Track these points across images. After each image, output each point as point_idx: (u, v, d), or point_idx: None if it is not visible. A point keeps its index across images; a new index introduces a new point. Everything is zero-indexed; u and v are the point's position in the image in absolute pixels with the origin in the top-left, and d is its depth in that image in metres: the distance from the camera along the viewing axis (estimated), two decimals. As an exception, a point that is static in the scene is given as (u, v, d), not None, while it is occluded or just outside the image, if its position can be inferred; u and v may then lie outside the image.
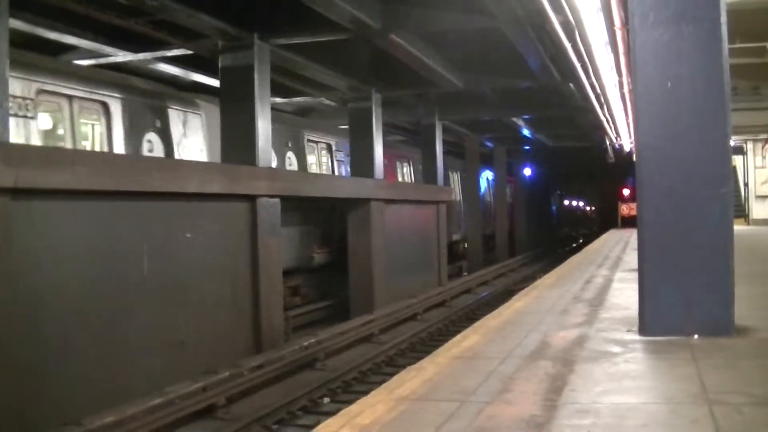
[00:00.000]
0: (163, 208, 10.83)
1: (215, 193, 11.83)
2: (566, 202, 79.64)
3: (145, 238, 10.44)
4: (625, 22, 10.74)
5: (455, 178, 32.82)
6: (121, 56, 14.93)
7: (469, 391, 4.96)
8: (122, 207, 10.03)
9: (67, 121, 11.76)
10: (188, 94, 15.30)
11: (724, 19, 6.18)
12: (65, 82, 11.72)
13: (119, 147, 12.50)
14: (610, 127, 25.56)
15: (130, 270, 10.17)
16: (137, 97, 13.17)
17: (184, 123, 14.28)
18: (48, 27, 13.07)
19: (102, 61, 14.91)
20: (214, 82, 15.93)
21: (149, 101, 13.52)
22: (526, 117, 28.97)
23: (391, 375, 6.65)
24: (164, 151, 13.50)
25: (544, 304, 9.42)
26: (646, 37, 6.32)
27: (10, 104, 9.65)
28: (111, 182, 9.56)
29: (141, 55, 15.05)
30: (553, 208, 68.07)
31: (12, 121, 9.71)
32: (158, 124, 13.58)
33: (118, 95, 12.66)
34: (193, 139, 14.43)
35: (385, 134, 21.22)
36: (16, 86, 10.47)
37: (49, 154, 9.24)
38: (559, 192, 71.73)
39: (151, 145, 13.33)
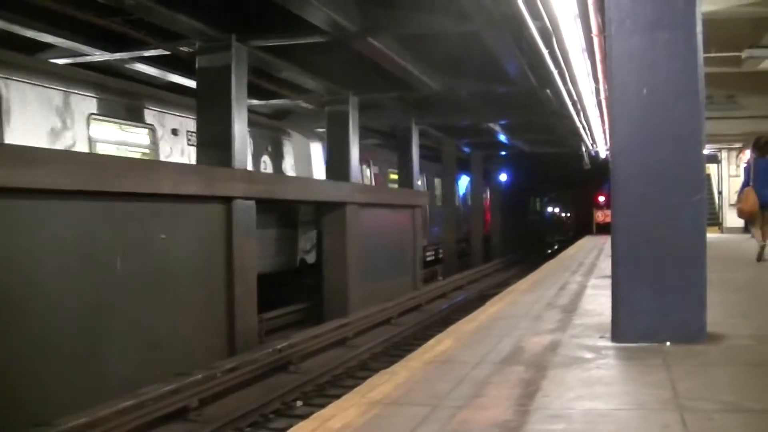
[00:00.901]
0: (138, 209, 10.77)
1: (191, 194, 11.78)
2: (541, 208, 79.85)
3: (119, 239, 10.38)
4: (602, 29, 10.80)
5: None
6: (98, 55, 14.86)
7: (442, 396, 4.95)
8: (97, 207, 9.96)
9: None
10: (280, 123, 21.07)
11: (699, 27, 6.20)
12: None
13: (250, 165, 16.77)
14: (587, 134, 25.73)
15: (104, 271, 10.10)
16: (261, 129, 18.73)
17: (281, 146, 19.76)
18: (24, 25, 12.99)
19: (79, 60, 14.83)
20: (191, 83, 15.90)
21: (265, 131, 19.09)
22: (502, 122, 29.02)
23: (365, 379, 6.62)
24: (273, 167, 19.05)
25: (518, 309, 9.42)
26: (622, 44, 6.34)
27: (190, 137, 15.18)
28: (86, 182, 9.49)
29: (118, 55, 14.99)
30: (546, 214, 68.33)
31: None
32: (269, 148, 19.09)
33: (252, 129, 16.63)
34: (288, 156, 20.02)
35: (361, 137, 21.28)
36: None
37: (22, 153, 9.15)
38: (541, 199, 72.04)
39: (266, 164, 18.82)
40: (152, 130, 14.48)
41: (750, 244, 14.86)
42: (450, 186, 34.30)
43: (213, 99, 13.88)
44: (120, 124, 13.70)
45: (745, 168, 15.03)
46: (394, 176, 28.17)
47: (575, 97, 17.75)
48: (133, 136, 14.14)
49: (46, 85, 11.90)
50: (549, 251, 49.58)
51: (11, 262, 8.70)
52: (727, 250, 16.56)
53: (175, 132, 15.04)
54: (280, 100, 21.07)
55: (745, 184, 14.24)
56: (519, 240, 51.78)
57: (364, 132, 23.37)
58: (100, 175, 9.77)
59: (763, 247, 13.95)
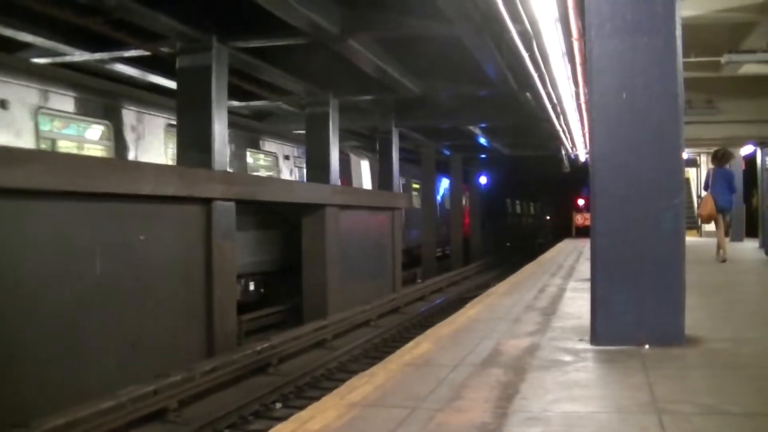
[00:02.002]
0: (117, 210, 10.71)
1: (170, 195, 11.72)
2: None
3: (98, 240, 10.32)
4: (582, 33, 10.83)
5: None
6: (78, 55, 14.77)
7: (421, 398, 4.94)
8: (76, 207, 9.90)
9: (296, 166, 21.75)
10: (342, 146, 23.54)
11: (679, 32, 6.23)
12: (294, 144, 21.73)
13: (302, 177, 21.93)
14: (566, 137, 25.78)
15: (84, 271, 10.04)
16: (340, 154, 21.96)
17: (349, 164, 25.11)
18: (2, 23, 12.90)
19: (58, 60, 14.74)
20: (171, 84, 15.83)
21: (342, 156, 22.43)
22: (482, 125, 29.03)
23: (344, 381, 6.61)
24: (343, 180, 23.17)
25: (497, 312, 9.43)
26: (602, 48, 6.36)
27: (289, 160, 21.44)
28: (65, 183, 9.43)
29: (98, 55, 14.90)
30: (525, 217, 68.29)
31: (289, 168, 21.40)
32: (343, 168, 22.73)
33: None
34: (353, 172, 25.79)
35: (341, 140, 21.29)
36: (290, 152, 21.46)
37: (1, 153, 9.09)
38: (520, 202, 72.15)
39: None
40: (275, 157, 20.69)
41: (729, 247, 15.09)
42: (429, 188, 34.31)
43: (193, 100, 13.83)
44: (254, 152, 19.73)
45: (706, 176, 15.74)
46: (416, 185, 32.41)
47: (555, 101, 17.79)
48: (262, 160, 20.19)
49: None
50: (528, 254, 49.66)
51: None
52: (706, 253, 16.64)
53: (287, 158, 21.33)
54: (261, 101, 21.04)
55: (704, 188, 15.27)
56: (498, 242, 51.84)
57: (344, 134, 23.39)
58: (79, 176, 9.70)
59: (720, 250, 15.29)
